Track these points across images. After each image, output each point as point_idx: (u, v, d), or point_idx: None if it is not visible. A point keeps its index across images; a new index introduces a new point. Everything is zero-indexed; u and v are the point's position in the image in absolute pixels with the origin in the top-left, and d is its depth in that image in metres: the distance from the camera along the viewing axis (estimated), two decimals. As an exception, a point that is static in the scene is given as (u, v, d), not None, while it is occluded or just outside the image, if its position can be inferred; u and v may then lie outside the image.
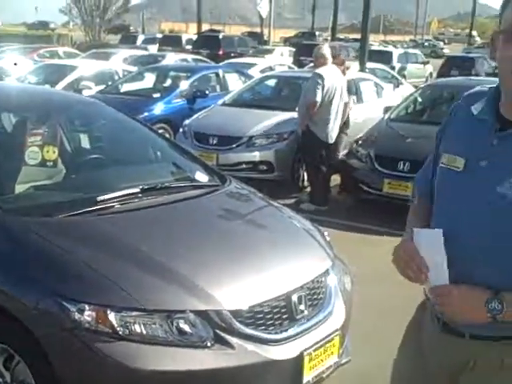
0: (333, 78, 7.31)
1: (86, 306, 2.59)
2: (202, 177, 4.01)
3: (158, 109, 10.17)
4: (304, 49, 26.30)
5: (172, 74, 12.11)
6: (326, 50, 7.49)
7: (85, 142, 4.48)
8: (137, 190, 3.50)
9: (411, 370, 1.95)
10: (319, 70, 7.30)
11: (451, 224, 1.73)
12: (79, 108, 4.51)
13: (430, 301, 1.82)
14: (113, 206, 3.30)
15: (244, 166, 8.02)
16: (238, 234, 3.40)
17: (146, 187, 3.57)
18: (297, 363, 2.84)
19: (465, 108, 1.83)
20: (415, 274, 1.75)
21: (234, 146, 8.16)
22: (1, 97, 4.31)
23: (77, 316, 2.57)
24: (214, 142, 8.23)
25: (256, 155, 8.07)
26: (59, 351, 2.61)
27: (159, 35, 40.11)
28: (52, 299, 2.62)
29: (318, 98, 7.10)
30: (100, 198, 3.31)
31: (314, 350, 2.92)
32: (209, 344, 2.66)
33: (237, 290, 2.87)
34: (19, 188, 3.57)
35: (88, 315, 2.58)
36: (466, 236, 1.71)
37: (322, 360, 2.98)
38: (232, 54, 26.79)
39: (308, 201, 7.42)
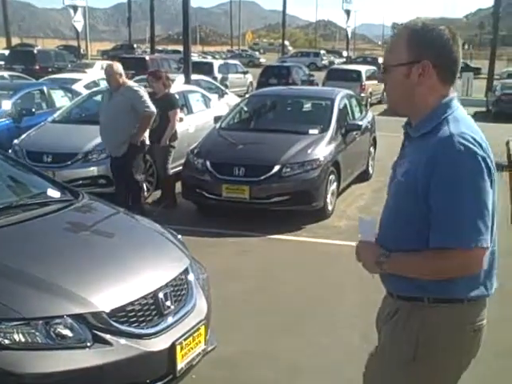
0: None
1: (-35, 322, 2.68)
2: (54, 193, 4.13)
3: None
4: (125, 62, 26.30)
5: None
6: (116, 66, 7.25)
7: None
8: (-6, 209, 3.57)
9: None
10: (133, 84, 7.43)
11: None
12: None
13: None
14: (-28, 227, 3.35)
15: (82, 181, 8.04)
16: (99, 243, 3.61)
17: (2, 206, 3.65)
18: (170, 353, 3.13)
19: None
20: None
21: (69, 162, 8.17)
22: None
23: (-43, 332, 2.66)
24: (49, 159, 8.18)
25: (94, 170, 8.16)
26: None
27: (-35, 51, 37.72)
28: None
29: (154, 109, 7.27)
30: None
31: (184, 340, 3.23)
32: (88, 344, 2.86)
33: (108, 292, 3.09)
34: None
35: (-32, 330, 2.67)
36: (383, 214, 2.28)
37: (191, 348, 3.29)
38: (50, 69, 26.02)
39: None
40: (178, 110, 8.36)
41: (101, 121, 7.37)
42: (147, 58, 27.87)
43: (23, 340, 2.75)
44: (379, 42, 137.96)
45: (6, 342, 2.71)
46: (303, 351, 4.37)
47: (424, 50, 2.08)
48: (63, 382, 2.78)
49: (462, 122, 2.09)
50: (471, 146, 1.99)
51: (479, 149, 2.00)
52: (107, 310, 2.97)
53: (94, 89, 12.66)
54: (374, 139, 10.58)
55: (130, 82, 7.49)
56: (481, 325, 2.19)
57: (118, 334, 2.95)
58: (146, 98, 7.19)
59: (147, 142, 7.42)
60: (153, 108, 7.17)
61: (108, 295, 3.06)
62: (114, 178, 7.66)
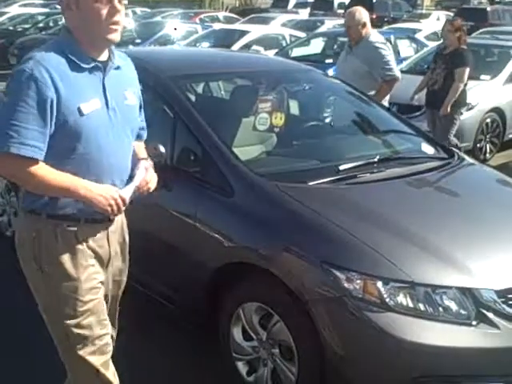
0: None
1: (355, 275, 2.62)
2: (428, 149, 3.93)
3: (331, 74, 10.08)
4: (463, 13, 25.01)
5: (340, 39, 11.98)
6: (358, 13, 5.63)
7: (303, 109, 4.53)
8: (374, 160, 3.50)
9: None
10: (376, 38, 5.78)
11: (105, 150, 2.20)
12: (298, 75, 4.55)
13: None
14: (355, 176, 3.30)
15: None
16: (488, 211, 3.24)
17: (383, 157, 3.56)
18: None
19: (61, 60, 2.09)
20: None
21: (418, 113, 7.96)
22: (232, 63, 4.46)
23: (346, 284, 2.62)
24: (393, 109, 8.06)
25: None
26: (327, 317, 2.66)
27: (311, -1, 39.76)
28: (321, 266, 2.67)
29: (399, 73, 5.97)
30: (342, 167, 3.33)
31: None
32: (473, 322, 2.60)
33: (499, 269, 2.78)
34: (250, 153, 3.67)
35: (357, 284, 2.61)
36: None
37: None
38: (385, 19, 26.06)
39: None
40: (468, 70, 6.64)
41: None
42: (488, 8, 26.13)
43: (405, 304, 2.60)
44: None
45: (391, 303, 2.59)
46: None
47: None
48: (441, 357, 2.57)
49: None
50: None
51: None
52: (496, 289, 2.67)
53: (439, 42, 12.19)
54: None
55: (375, 34, 5.76)
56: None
57: (506, 318, 2.63)
58: (390, 57, 5.63)
59: None
60: (397, 72, 5.66)
61: (499, 273, 2.75)
62: None
